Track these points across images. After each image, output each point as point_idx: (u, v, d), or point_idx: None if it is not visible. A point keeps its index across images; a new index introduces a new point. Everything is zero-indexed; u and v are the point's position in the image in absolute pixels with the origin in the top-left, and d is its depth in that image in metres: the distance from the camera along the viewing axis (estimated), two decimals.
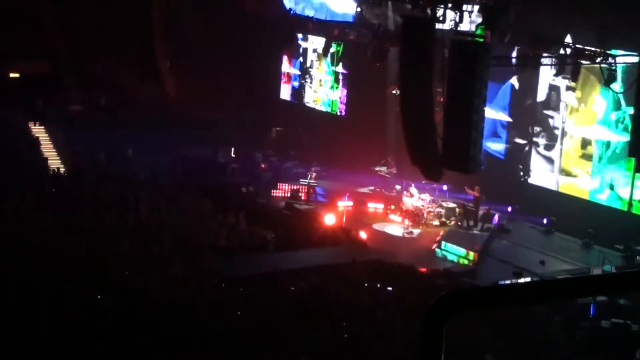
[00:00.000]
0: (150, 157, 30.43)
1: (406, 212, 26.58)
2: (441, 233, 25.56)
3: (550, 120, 27.09)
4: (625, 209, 24.85)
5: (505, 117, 28.62)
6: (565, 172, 26.71)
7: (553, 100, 26.92)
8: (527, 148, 27.88)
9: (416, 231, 26.04)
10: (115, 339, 14.49)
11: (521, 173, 28.11)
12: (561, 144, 26.79)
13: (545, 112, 27.20)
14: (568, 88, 26.15)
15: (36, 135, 31.99)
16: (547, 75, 26.43)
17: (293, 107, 36.17)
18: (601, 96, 25.29)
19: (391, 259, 22.26)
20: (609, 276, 2.49)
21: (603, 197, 25.43)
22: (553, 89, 26.80)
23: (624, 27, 22.56)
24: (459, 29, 21.74)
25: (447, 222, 26.35)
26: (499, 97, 28.31)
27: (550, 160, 27.19)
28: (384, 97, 31.18)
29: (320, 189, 29.20)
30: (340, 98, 34.45)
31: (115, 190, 25.28)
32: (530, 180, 27.79)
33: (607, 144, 25.33)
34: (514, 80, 28.07)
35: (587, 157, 25.99)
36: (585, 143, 26.05)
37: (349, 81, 34.01)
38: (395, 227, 26.46)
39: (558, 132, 26.87)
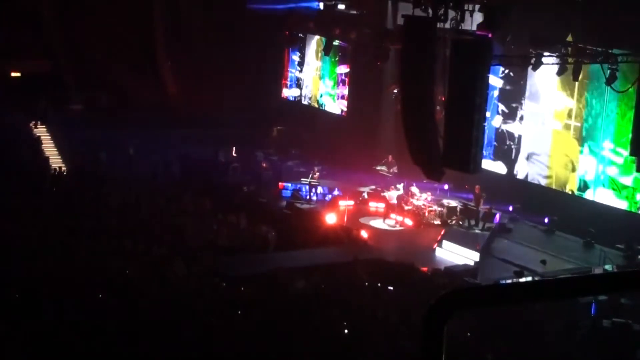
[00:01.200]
0: (151, 157, 30.42)
1: (389, 206, 26.64)
2: (442, 232, 25.56)
3: (550, 120, 27.04)
4: (626, 208, 24.83)
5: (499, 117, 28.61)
6: (565, 172, 26.66)
7: (551, 99, 26.87)
8: (525, 148, 27.83)
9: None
10: (115, 338, 14.48)
11: (520, 173, 28.05)
12: (560, 143, 26.74)
13: (544, 111, 27.14)
14: (566, 87, 26.10)
15: (37, 134, 31.97)
16: (543, 73, 26.32)
17: (294, 106, 36.14)
18: (601, 96, 25.24)
19: (392, 258, 22.27)
20: (610, 275, 2.48)
21: (604, 197, 25.40)
22: (550, 88, 26.73)
23: (625, 27, 22.52)
24: (460, 28, 21.70)
25: (449, 221, 26.34)
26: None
27: (549, 160, 27.13)
28: (384, 97, 31.15)
29: (326, 189, 29.13)
30: (340, 97, 34.41)
31: (116, 189, 25.28)
32: (530, 180, 27.74)
33: (607, 144, 25.30)
34: (509, 78, 28.00)
35: (587, 156, 25.94)
36: (585, 142, 26.01)
37: (349, 81, 33.97)
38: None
39: (557, 133, 26.82)
